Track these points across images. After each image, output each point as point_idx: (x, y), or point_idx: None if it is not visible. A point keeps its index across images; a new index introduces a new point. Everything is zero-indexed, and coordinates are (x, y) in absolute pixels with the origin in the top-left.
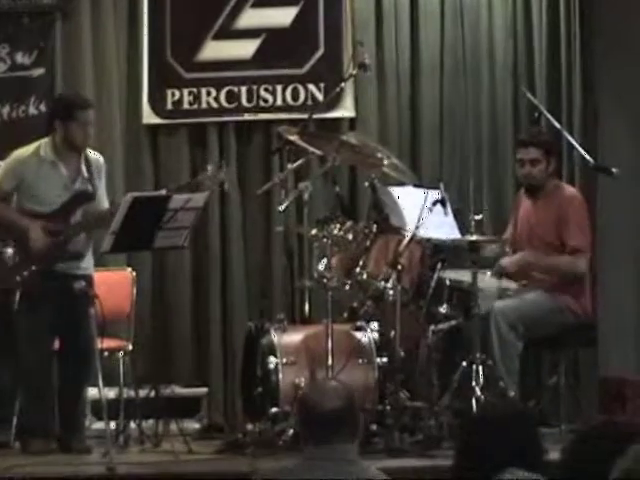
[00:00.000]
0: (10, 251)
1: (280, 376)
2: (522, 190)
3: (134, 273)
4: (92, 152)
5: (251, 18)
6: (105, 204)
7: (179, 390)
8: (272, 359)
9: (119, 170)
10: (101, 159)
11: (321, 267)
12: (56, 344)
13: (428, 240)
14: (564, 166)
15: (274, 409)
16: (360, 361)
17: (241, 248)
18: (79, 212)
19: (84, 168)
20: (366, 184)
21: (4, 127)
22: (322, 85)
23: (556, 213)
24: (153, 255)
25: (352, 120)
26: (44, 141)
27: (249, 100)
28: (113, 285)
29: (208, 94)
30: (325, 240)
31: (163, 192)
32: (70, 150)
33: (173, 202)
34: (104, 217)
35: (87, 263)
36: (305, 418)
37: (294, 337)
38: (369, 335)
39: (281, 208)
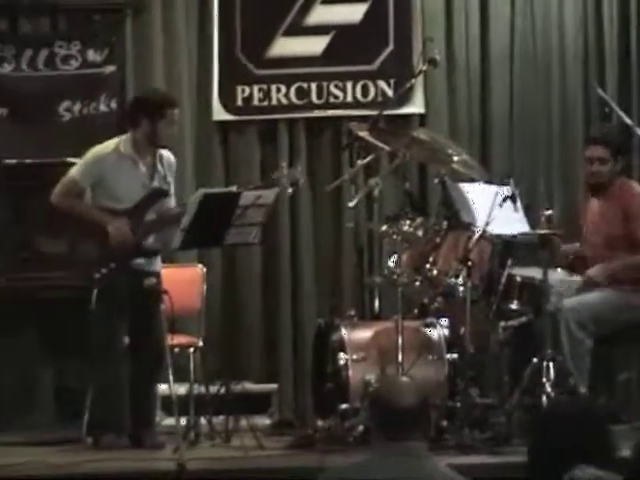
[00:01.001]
0: (90, 248)
1: (350, 372)
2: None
3: (204, 269)
4: (164, 150)
5: (321, 15)
6: (172, 203)
7: (249, 386)
8: (342, 355)
9: (189, 167)
10: (172, 157)
11: (391, 263)
12: (127, 340)
13: (498, 236)
14: (635, 162)
15: (344, 405)
16: (430, 357)
17: (311, 245)
18: (152, 211)
19: (159, 165)
20: (436, 180)
21: (75, 124)
22: (392, 81)
23: (623, 210)
24: (223, 252)
25: (422, 116)
26: (123, 138)
27: (319, 96)
28: (183, 281)
29: (278, 91)
30: (395, 236)
31: (234, 188)
32: (150, 147)
33: (244, 199)
34: (177, 216)
35: (157, 260)
36: (377, 414)
37: (364, 333)
38: (439, 331)
39: (351, 204)
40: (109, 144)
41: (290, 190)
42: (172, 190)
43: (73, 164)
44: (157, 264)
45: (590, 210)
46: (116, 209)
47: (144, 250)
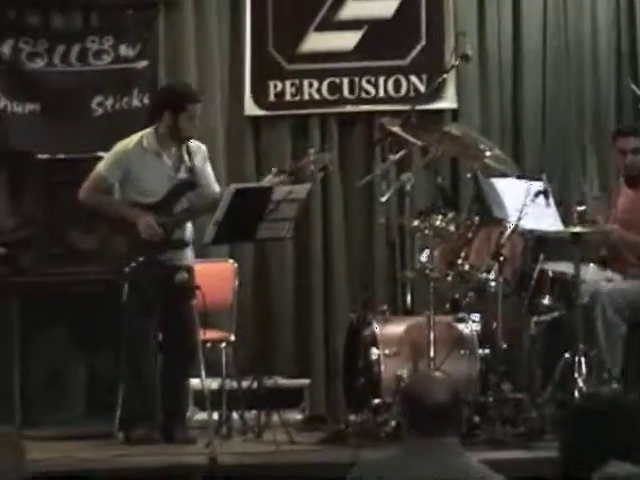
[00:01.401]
0: (119, 242)
1: (382, 367)
2: (621, 178)
3: (236, 264)
4: (192, 141)
5: (353, 10)
6: (216, 187)
7: (281, 381)
8: (374, 350)
9: (221, 161)
10: (202, 146)
11: (423, 258)
12: (160, 335)
13: (530, 231)
14: None
15: (376, 400)
16: (462, 352)
17: (343, 240)
18: (184, 200)
19: (186, 157)
20: (468, 175)
21: (107, 119)
22: (424, 76)
23: None
24: (255, 246)
25: (454, 111)
26: (147, 131)
27: (351, 91)
28: (215, 276)
29: (310, 86)
30: (427, 231)
31: (267, 180)
32: (173, 140)
33: (276, 194)
34: (211, 205)
35: (188, 254)
36: (409, 409)
37: (396, 328)
38: (471, 326)
39: (383, 199)
40: (133, 138)
41: (320, 175)
42: (211, 177)
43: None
44: (189, 258)
45: (623, 200)
46: (144, 202)
47: (173, 242)
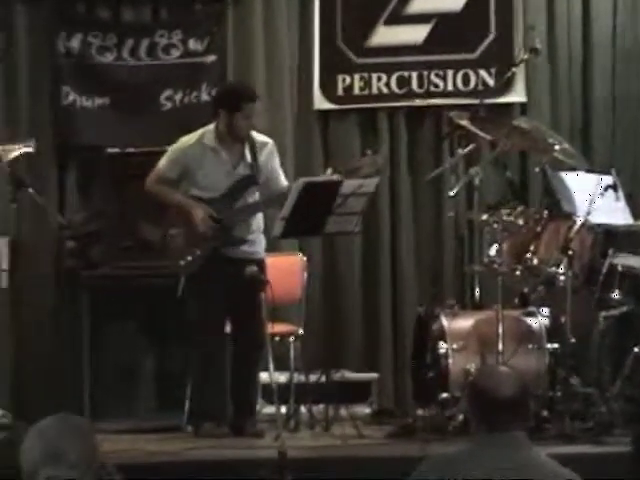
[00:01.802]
0: (177, 235)
1: (450, 361)
2: None
3: (305, 258)
4: (258, 135)
5: (422, 3)
6: (284, 182)
7: (349, 375)
8: (442, 344)
9: (290, 155)
10: (270, 141)
11: (492, 252)
12: (228, 329)
13: (599, 225)
14: None
15: (444, 394)
16: (531, 347)
17: (411, 234)
18: (248, 196)
19: (248, 153)
20: (537, 169)
21: (176, 113)
22: (493, 70)
23: None
24: (324, 240)
25: (523, 105)
26: (208, 128)
27: (420, 85)
28: (284, 270)
29: (379, 79)
30: (496, 225)
31: (334, 177)
32: (231, 138)
33: (345, 187)
34: (278, 199)
35: (259, 248)
36: (478, 404)
37: (464, 322)
38: (540, 321)
39: (452, 193)
40: (194, 135)
41: (376, 177)
42: (278, 172)
43: None
44: (260, 252)
45: None
46: (205, 198)
47: (232, 239)
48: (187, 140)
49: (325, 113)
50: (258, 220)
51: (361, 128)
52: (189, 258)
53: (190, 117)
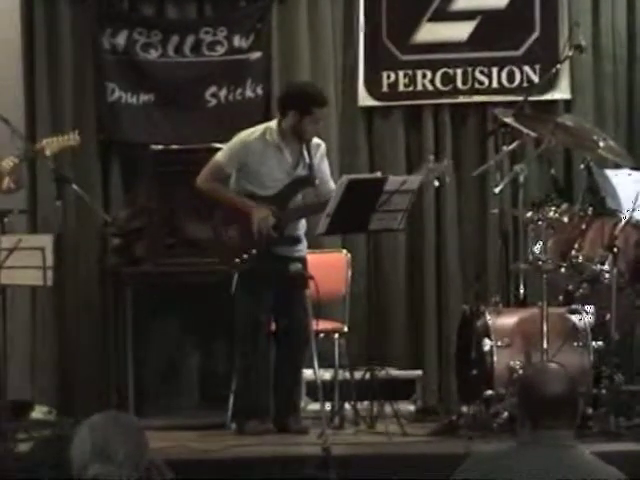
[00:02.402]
0: (232, 233)
1: (495, 358)
2: None
3: (349, 255)
4: (315, 139)
5: (467, 0)
6: (332, 185)
7: (394, 372)
8: (487, 341)
9: (335, 152)
10: (322, 144)
11: (536, 250)
12: (273, 326)
13: None
14: None
15: (489, 392)
16: (575, 344)
17: (456, 231)
18: (299, 197)
19: (306, 154)
20: (582, 166)
21: (221, 109)
22: (537, 67)
23: None
24: (368, 237)
25: (567, 102)
26: (271, 124)
27: (464, 82)
28: (328, 267)
29: (424, 76)
30: (540, 223)
31: (378, 174)
32: (295, 138)
33: (389, 184)
34: (325, 203)
35: (302, 245)
36: (525, 401)
37: (509, 320)
38: (584, 318)
39: (496, 190)
40: (256, 130)
41: (436, 183)
42: (328, 175)
43: (219, 149)
44: (303, 249)
45: None
46: (259, 195)
47: (285, 238)
48: (249, 134)
49: (369, 110)
50: (299, 221)
51: (405, 125)
52: (245, 256)
53: (235, 114)
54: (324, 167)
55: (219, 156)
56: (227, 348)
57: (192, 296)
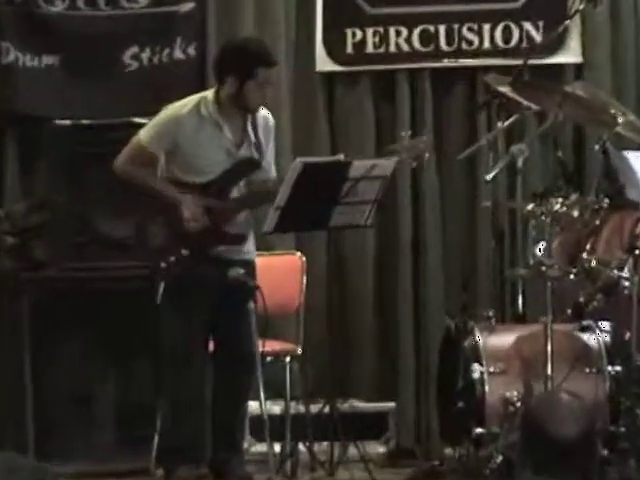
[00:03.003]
0: (159, 231)
1: (486, 388)
2: None
3: (304, 258)
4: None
5: None
6: (272, 173)
7: (360, 405)
8: (476, 367)
9: (286, 130)
10: (270, 118)
11: (538, 251)
12: (210, 346)
13: None
14: None
15: (479, 429)
16: (587, 370)
17: (438, 227)
18: (241, 184)
19: (250, 130)
20: (596, 147)
21: (143, 75)
22: (540, 23)
23: None
24: (328, 236)
25: (579, 67)
26: (206, 95)
27: (449, 42)
28: (279, 273)
29: (398, 34)
30: (544, 218)
31: (341, 157)
32: (237, 109)
33: (354, 169)
34: (271, 192)
35: (247, 246)
36: (526, 442)
37: (504, 339)
38: (599, 337)
39: (488, 177)
40: (187, 103)
41: (414, 164)
42: (272, 158)
43: (142, 125)
44: (249, 251)
45: None
46: (193, 182)
47: (227, 236)
48: (180, 107)
49: (330, 77)
50: (244, 215)
51: (375, 95)
52: (172, 259)
53: (161, 81)
54: (269, 148)
55: (142, 135)
56: (152, 373)
57: (107, 308)
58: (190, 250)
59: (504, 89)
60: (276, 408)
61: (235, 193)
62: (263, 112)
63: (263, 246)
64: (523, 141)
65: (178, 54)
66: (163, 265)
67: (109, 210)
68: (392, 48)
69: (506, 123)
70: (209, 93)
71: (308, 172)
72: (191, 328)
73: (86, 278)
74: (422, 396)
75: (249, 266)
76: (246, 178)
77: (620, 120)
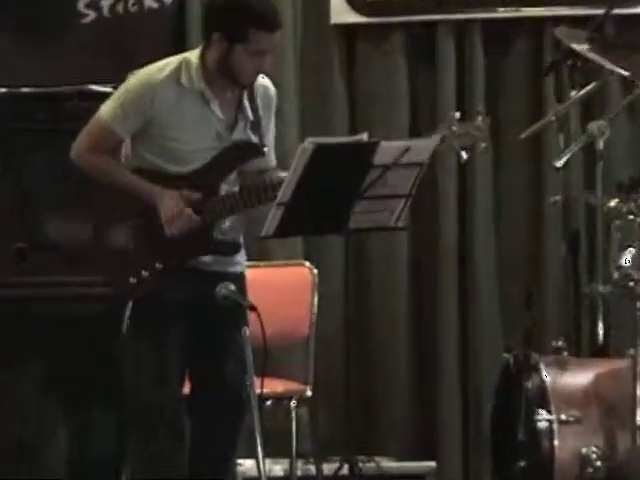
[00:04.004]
0: (125, 236)
1: (556, 442)
2: None
3: (316, 271)
4: (260, 76)
5: None
6: (272, 161)
7: (389, 465)
8: (543, 413)
9: (292, 102)
10: (271, 87)
11: (625, 262)
12: (187, 387)
13: None
14: None
15: None
16: None
17: (491, 230)
18: (232, 177)
19: (247, 105)
20: None
21: (104, 30)
22: None
23: None
24: (347, 242)
25: None
26: (187, 59)
27: None
28: (281, 290)
29: None
30: (632, 217)
31: (364, 137)
32: (228, 79)
33: (380, 154)
34: (271, 185)
35: (240, 256)
36: None
37: (579, 378)
38: None
39: (559, 164)
40: (164, 67)
41: (464, 156)
42: (272, 140)
43: (100, 95)
44: (240, 262)
45: None
46: (172, 172)
47: (217, 243)
48: (154, 73)
49: (350, 32)
50: (237, 217)
51: (410, 57)
52: (144, 273)
53: (128, 37)
54: (270, 127)
55: (104, 111)
56: (114, 420)
57: (57, 336)
58: (165, 262)
59: (580, 47)
60: (278, 468)
61: (226, 187)
62: (262, 79)
63: (260, 254)
64: (604, 116)
65: (149, 2)
66: (131, 281)
67: (59, 207)
68: None
69: (582, 92)
70: (192, 55)
71: (320, 157)
72: (165, 364)
73: (28, 297)
74: (471, 453)
75: (239, 281)
76: (241, 167)
77: None
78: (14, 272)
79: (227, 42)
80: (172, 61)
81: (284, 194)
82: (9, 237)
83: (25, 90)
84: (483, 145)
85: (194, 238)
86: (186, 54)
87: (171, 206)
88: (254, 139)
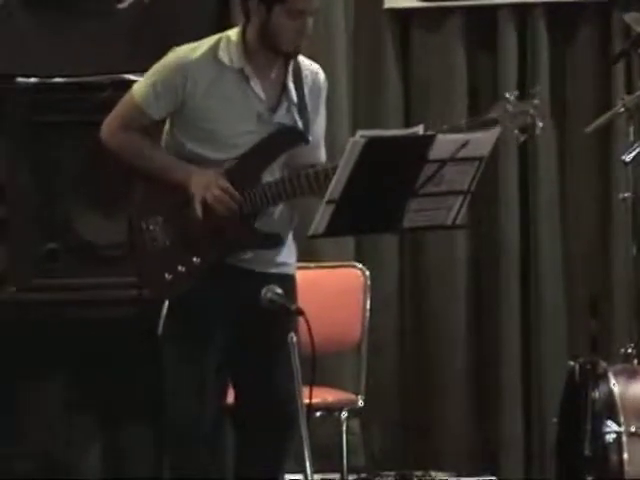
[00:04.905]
0: (160, 234)
1: (625, 455)
2: None
3: (368, 273)
4: (307, 61)
5: None
6: (321, 155)
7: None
8: (612, 425)
9: (342, 92)
10: (322, 74)
11: None
12: (231, 396)
13: None
14: None
15: None
16: None
17: (557, 230)
18: (280, 163)
19: (292, 87)
20: None
21: (143, 14)
22: None
23: None
24: (401, 242)
25: None
26: (227, 36)
27: None
28: (332, 293)
29: None
30: None
31: (419, 129)
32: (271, 54)
33: (437, 147)
34: (322, 176)
35: (285, 256)
36: None
37: None
38: None
39: (628, 158)
40: (200, 45)
41: (521, 138)
42: (321, 132)
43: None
44: (289, 261)
45: None
46: (210, 158)
47: (260, 235)
48: (189, 51)
49: (404, 16)
50: (282, 209)
51: (469, 42)
52: (181, 269)
53: (165, 21)
54: (320, 116)
55: (136, 90)
56: (150, 433)
57: (89, 343)
58: (202, 256)
59: None
60: None
61: (268, 177)
62: (312, 66)
63: (309, 255)
64: None
65: None
66: (167, 277)
67: (92, 204)
68: None
69: None
70: (232, 32)
71: (373, 151)
72: (203, 371)
73: (59, 301)
74: (534, 467)
75: (287, 283)
76: (286, 154)
77: None
78: (44, 275)
79: (265, 6)
80: (207, 42)
81: (334, 190)
82: (39, 238)
83: (56, 80)
84: (540, 125)
85: (233, 230)
86: (227, 32)
87: (203, 183)
88: (299, 124)
